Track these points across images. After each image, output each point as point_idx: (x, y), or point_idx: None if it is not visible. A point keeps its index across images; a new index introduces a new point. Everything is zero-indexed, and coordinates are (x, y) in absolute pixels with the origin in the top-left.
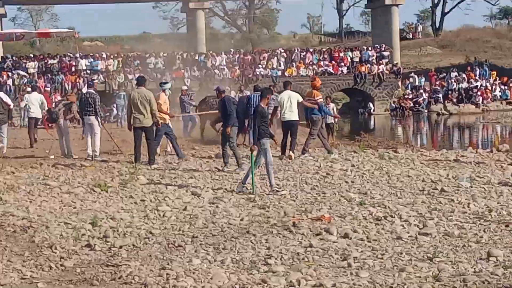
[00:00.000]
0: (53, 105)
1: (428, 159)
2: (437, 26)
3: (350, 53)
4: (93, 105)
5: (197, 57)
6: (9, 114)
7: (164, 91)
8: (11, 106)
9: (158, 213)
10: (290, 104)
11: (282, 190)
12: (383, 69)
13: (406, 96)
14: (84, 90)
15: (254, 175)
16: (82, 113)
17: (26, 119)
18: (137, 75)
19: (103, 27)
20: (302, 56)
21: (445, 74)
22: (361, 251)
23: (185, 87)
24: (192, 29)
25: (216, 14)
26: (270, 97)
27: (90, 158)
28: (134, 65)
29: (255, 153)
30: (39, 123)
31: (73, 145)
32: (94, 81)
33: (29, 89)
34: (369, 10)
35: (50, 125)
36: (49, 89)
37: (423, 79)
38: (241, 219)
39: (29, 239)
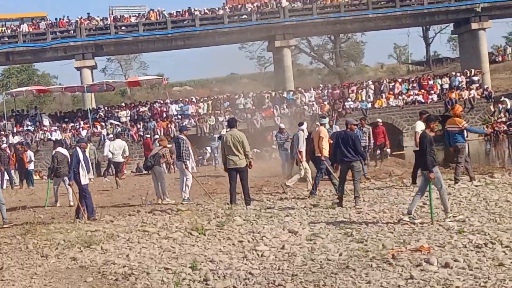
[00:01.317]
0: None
1: None
2: None
3: (439, 80)
4: (179, 150)
5: (285, 95)
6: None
7: (323, 125)
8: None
9: (256, 253)
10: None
11: (458, 216)
12: (474, 94)
13: (499, 120)
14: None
15: (432, 202)
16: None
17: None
18: (227, 117)
19: (191, 71)
20: (391, 86)
21: None
22: (463, 280)
23: (282, 125)
24: (279, 67)
25: (302, 50)
26: (434, 125)
27: (183, 202)
28: (224, 107)
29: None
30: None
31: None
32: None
33: (110, 135)
34: (456, 35)
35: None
36: (149, 136)
37: None
38: (340, 254)
39: (131, 287)
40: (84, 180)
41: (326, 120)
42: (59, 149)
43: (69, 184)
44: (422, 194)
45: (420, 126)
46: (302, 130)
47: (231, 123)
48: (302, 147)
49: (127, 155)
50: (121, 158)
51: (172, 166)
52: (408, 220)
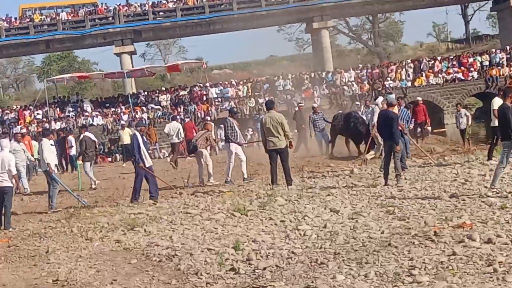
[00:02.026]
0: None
1: None
2: None
3: (479, 58)
4: (226, 132)
5: (324, 76)
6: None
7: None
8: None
9: (298, 232)
10: None
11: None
12: None
13: None
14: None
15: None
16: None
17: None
18: (267, 99)
19: (230, 55)
20: (430, 65)
21: None
22: (506, 255)
23: (315, 105)
24: (317, 49)
25: (340, 31)
26: None
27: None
28: (264, 89)
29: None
30: (177, 148)
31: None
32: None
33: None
34: (495, 12)
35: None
36: (189, 119)
37: None
38: (382, 232)
39: (175, 268)
40: (147, 162)
41: (393, 96)
42: (87, 133)
43: (140, 166)
44: (504, 166)
45: (497, 102)
46: (377, 104)
47: (269, 105)
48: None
49: (182, 136)
50: (176, 139)
51: (214, 149)
52: (495, 194)
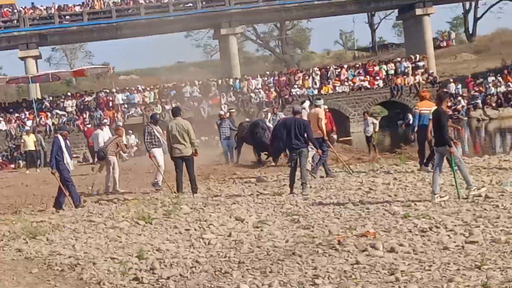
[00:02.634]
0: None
1: (471, 166)
2: (471, 32)
3: (384, 66)
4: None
5: (232, 82)
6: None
7: (319, 106)
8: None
9: (203, 241)
10: None
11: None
12: (419, 80)
13: None
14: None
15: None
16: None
17: None
18: (174, 105)
19: (137, 60)
20: (337, 73)
21: (482, 79)
22: (408, 264)
23: (222, 112)
24: (225, 55)
25: (248, 38)
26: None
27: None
28: (171, 96)
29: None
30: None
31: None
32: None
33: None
34: (401, 21)
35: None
36: (90, 126)
37: (460, 86)
38: (286, 241)
39: (77, 277)
40: (69, 166)
41: (321, 101)
42: None
43: (52, 173)
44: (440, 171)
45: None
46: (304, 108)
47: (175, 112)
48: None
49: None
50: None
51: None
52: (438, 200)
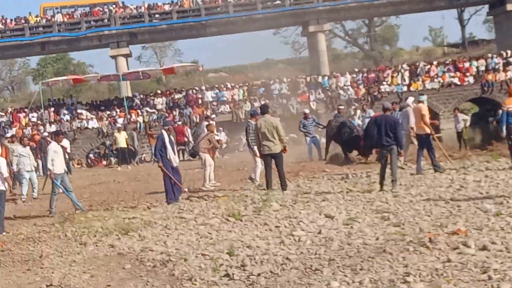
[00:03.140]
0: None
1: None
2: None
3: (475, 62)
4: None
5: (320, 80)
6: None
7: (422, 102)
8: None
9: (293, 238)
10: None
11: None
12: (510, 76)
13: None
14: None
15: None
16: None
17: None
18: (262, 102)
19: (226, 58)
20: (426, 69)
21: None
22: (501, 263)
23: (306, 110)
24: (313, 52)
25: (336, 35)
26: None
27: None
28: (259, 93)
29: None
30: None
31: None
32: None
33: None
34: (491, 17)
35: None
36: (180, 123)
37: None
38: (377, 239)
39: (169, 273)
40: (174, 162)
41: (425, 97)
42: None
43: (159, 166)
44: None
45: None
46: (409, 105)
47: (263, 110)
48: (413, 123)
49: None
50: None
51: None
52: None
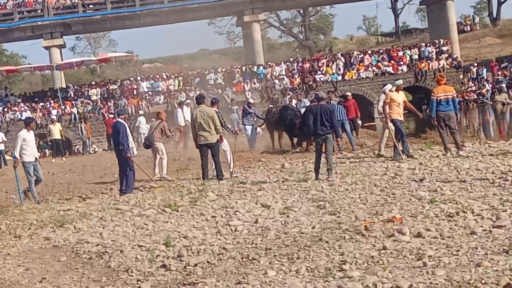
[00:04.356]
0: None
1: (497, 151)
2: (495, 16)
3: (408, 51)
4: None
5: (255, 69)
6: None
7: (399, 87)
8: None
9: (229, 228)
10: None
11: None
12: (443, 64)
13: (469, 89)
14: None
15: None
16: None
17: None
18: (198, 93)
19: (161, 48)
20: (360, 58)
21: (507, 63)
22: (436, 249)
23: (251, 100)
24: (248, 42)
25: (271, 25)
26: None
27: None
28: (195, 83)
29: None
30: None
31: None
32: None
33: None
34: (424, 6)
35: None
36: (112, 116)
37: (485, 70)
38: (313, 227)
39: (105, 265)
40: (134, 151)
41: (400, 81)
42: None
43: (128, 157)
44: None
45: None
46: (384, 92)
47: (199, 100)
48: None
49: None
50: None
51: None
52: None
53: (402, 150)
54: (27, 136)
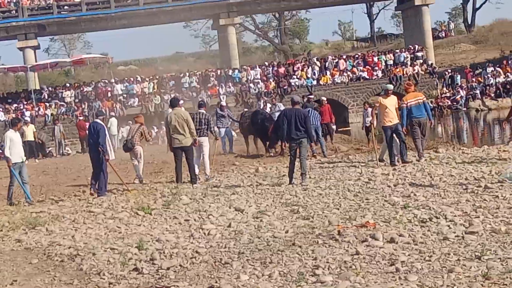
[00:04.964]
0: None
1: (470, 157)
2: (469, 22)
3: (383, 57)
4: (206, 125)
5: (230, 73)
6: None
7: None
8: None
9: (203, 231)
10: None
11: None
12: (418, 70)
13: (443, 95)
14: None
15: None
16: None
17: None
18: (172, 96)
19: (136, 51)
20: (335, 63)
21: (481, 70)
22: (408, 255)
23: (223, 103)
24: (224, 45)
25: (247, 28)
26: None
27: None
28: (169, 86)
29: None
30: None
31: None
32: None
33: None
34: (400, 12)
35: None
36: (82, 118)
37: (459, 77)
38: (286, 232)
39: (77, 267)
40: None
41: (391, 86)
42: None
43: (106, 159)
44: None
45: None
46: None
47: (173, 103)
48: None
49: None
50: None
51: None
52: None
53: (380, 157)
54: (14, 137)
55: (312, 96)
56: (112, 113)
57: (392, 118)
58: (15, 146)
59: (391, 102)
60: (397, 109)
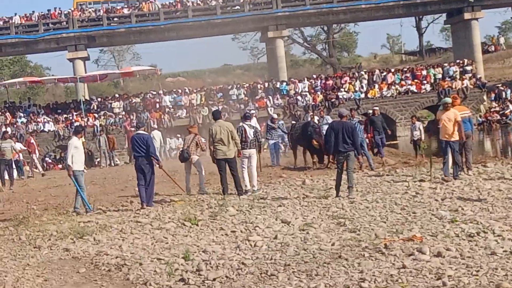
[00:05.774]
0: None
1: None
2: None
3: (432, 70)
4: (254, 137)
5: (278, 85)
6: None
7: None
8: None
9: (249, 243)
10: None
11: None
12: (467, 84)
13: (492, 109)
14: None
15: None
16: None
17: None
18: (221, 107)
19: (184, 62)
20: (383, 76)
21: None
22: (455, 269)
23: (275, 115)
24: (272, 58)
25: (295, 41)
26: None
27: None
28: (217, 98)
29: None
30: None
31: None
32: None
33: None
34: (449, 25)
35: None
36: (133, 129)
37: (509, 91)
38: (332, 244)
39: (123, 277)
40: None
41: (448, 100)
42: None
43: (160, 166)
44: None
45: None
46: None
47: (216, 115)
48: None
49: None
50: None
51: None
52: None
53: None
54: (79, 144)
55: (377, 108)
56: (155, 126)
57: (448, 133)
58: (79, 154)
59: (448, 116)
60: (459, 123)
